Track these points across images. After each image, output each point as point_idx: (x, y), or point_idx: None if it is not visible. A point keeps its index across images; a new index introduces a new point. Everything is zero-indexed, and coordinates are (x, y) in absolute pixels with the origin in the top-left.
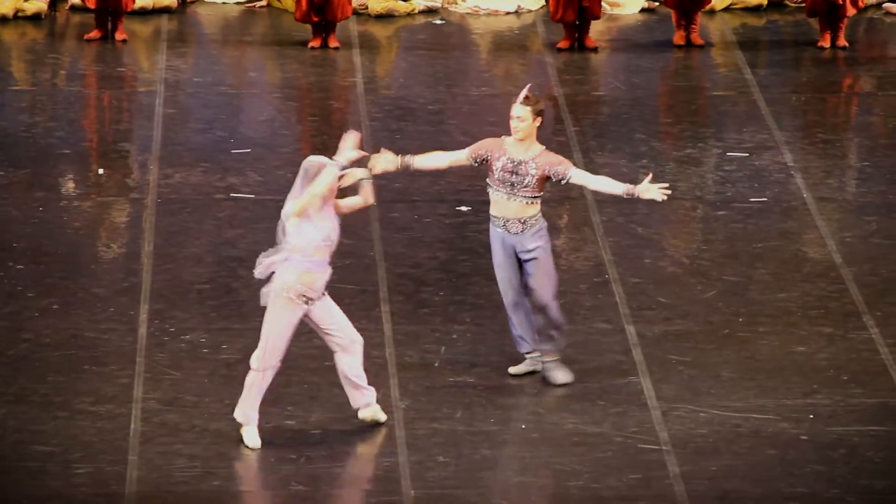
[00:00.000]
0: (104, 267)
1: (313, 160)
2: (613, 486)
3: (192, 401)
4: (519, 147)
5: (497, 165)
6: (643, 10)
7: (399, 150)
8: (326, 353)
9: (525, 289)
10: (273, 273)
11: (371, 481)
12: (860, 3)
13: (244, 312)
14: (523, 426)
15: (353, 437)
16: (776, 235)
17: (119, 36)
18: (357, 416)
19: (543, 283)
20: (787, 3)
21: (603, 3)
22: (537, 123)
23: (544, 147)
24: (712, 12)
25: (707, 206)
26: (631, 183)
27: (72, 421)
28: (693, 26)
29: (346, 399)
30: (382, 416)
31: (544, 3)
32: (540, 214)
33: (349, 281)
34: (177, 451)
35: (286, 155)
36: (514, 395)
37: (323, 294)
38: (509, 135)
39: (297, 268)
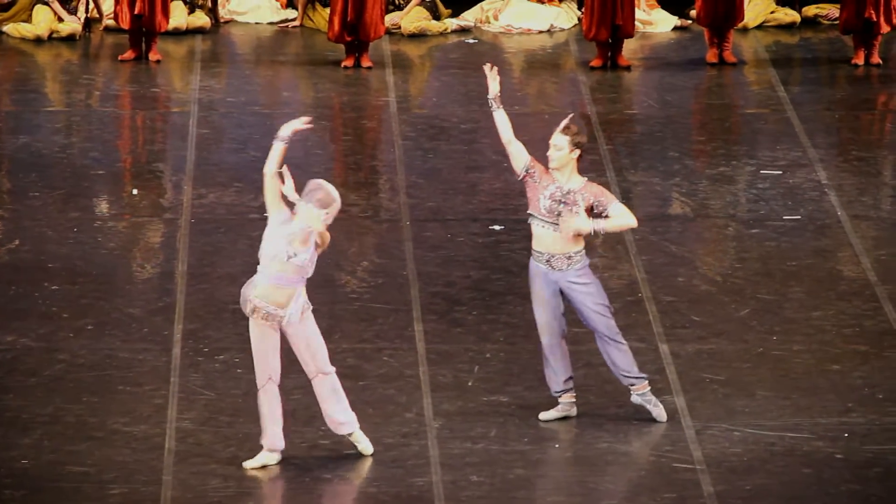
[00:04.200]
0: (138, 287)
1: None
2: None
3: (227, 421)
4: (561, 177)
5: (545, 193)
6: (676, 29)
7: (430, 170)
8: (359, 373)
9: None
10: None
11: (405, 501)
12: (894, 20)
13: None
14: (557, 445)
15: (387, 456)
16: (810, 253)
17: (153, 56)
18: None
19: (595, 319)
20: (821, 20)
21: (636, 22)
22: (574, 155)
23: (587, 179)
24: (745, 30)
25: (740, 224)
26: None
27: (106, 441)
28: (726, 44)
29: (380, 419)
30: (366, 446)
31: (577, 21)
32: (584, 250)
33: (382, 300)
34: (211, 471)
35: (320, 174)
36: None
37: (298, 317)
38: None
39: (256, 281)
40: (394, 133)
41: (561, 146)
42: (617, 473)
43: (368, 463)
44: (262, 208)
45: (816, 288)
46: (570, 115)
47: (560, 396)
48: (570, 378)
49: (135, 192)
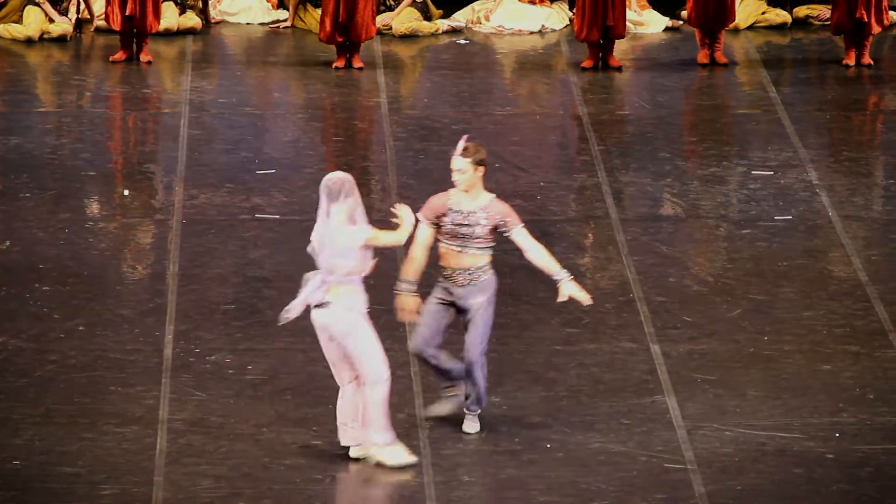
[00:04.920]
0: (130, 288)
1: (334, 177)
2: None
3: (218, 422)
4: (466, 198)
5: (447, 220)
6: (667, 29)
7: (421, 170)
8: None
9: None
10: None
11: (397, 501)
12: (885, 21)
13: (270, 333)
14: (548, 445)
15: None
16: (801, 254)
17: (144, 57)
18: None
19: (474, 340)
20: (812, 21)
21: (627, 22)
22: (479, 173)
23: (494, 196)
24: (736, 30)
25: (732, 225)
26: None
27: (98, 442)
28: (717, 45)
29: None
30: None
31: (568, 22)
32: (489, 266)
33: (375, 301)
34: (202, 471)
35: (311, 175)
36: (540, 414)
37: None
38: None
39: (360, 287)
40: (385, 134)
41: (464, 169)
42: (608, 473)
43: (360, 464)
44: (252, 209)
45: (807, 288)
46: (465, 137)
47: (446, 390)
48: (466, 395)
49: (126, 192)
